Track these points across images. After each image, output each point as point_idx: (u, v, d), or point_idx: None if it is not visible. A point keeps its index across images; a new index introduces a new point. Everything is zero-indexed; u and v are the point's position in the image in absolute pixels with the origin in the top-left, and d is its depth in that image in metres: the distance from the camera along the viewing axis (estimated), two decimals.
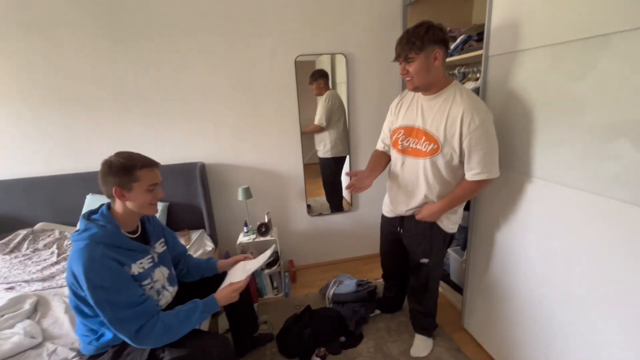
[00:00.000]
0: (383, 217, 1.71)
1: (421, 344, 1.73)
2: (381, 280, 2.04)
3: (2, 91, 1.89)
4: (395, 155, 1.50)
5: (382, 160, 1.60)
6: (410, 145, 1.40)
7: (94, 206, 1.97)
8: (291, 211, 2.51)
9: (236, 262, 1.51)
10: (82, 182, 2.03)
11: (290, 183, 2.45)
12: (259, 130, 2.28)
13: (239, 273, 1.41)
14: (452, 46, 1.89)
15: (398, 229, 1.60)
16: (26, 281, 1.64)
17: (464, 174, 1.34)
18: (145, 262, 1.18)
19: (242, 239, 2.18)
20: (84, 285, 1.00)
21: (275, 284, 2.29)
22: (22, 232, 1.81)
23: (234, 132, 2.25)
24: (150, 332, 1.05)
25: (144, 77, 2.03)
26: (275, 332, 1.88)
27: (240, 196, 2.13)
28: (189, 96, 2.12)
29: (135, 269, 1.13)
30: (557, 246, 1.20)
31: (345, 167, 2.58)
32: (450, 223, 1.48)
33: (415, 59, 1.23)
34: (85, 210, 1.98)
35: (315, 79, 2.32)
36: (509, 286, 1.46)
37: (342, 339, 1.79)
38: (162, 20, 1.97)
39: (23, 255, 1.71)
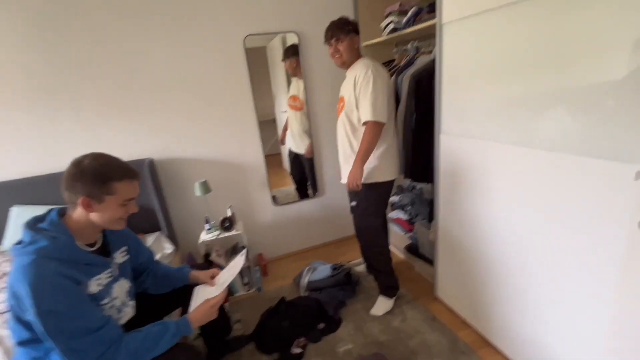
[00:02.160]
0: None
1: (378, 304, 1.83)
2: (355, 261, 2.06)
3: None
4: None
5: None
6: (338, 110, 1.72)
7: (23, 220, 1.71)
8: (255, 203, 2.40)
9: (213, 275, 1.35)
10: (5, 193, 1.74)
11: (252, 174, 2.33)
12: (212, 120, 2.12)
13: (212, 288, 1.28)
14: (404, 19, 1.88)
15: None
16: None
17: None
18: (103, 278, 1.01)
19: (205, 236, 2.03)
20: (32, 310, 0.83)
21: (246, 280, 2.18)
22: None
23: (185, 123, 2.06)
24: None
25: (75, 70, 1.77)
26: (250, 330, 1.78)
27: (197, 191, 1.97)
28: (130, 88, 1.90)
29: (94, 287, 0.97)
30: (517, 205, 1.24)
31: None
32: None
33: (344, 40, 1.59)
34: (12, 222, 1.71)
35: (287, 55, 2.20)
36: (476, 249, 1.50)
37: (321, 325, 1.75)
38: (97, 5, 1.73)
39: None
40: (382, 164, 1.64)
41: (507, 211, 1.29)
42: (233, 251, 2.22)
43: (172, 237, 2.03)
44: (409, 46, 2.02)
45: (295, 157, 2.49)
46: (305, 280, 2.04)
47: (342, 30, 1.58)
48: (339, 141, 1.74)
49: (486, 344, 1.57)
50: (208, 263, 2.04)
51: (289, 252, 2.60)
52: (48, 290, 0.84)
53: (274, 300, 1.91)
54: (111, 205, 0.96)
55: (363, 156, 1.55)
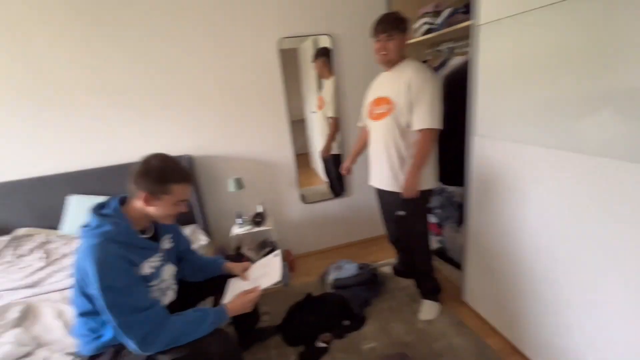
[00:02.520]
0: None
1: (427, 308, 1.80)
2: (381, 262, 2.05)
3: None
4: (368, 124, 1.74)
5: (366, 139, 1.82)
6: (375, 112, 1.65)
7: (78, 208, 1.89)
8: (284, 200, 2.47)
9: (245, 268, 1.45)
10: (63, 183, 1.94)
11: (282, 171, 2.40)
12: (246, 119, 2.22)
13: (245, 282, 1.36)
14: (438, 20, 1.86)
15: (381, 193, 1.78)
16: (11, 289, 1.55)
17: (412, 137, 1.55)
18: (155, 261, 1.13)
19: (237, 230, 2.13)
20: (95, 285, 0.95)
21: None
22: (4, 239, 1.71)
23: (221, 122, 2.18)
24: (156, 338, 1.00)
25: (123, 70, 1.93)
26: (277, 322, 1.85)
27: (231, 187, 2.08)
28: (173, 88, 2.03)
29: (147, 268, 1.08)
30: (553, 210, 1.20)
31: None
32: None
33: (394, 37, 1.51)
34: (69, 209, 1.90)
35: (317, 56, 2.25)
36: (507, 255, 1.47)
37: (346, 322, 1.79)
38: (143, 11, 1.87)
39: (7, 263, 1.62)
40: (428, 171, 1.60)
41: (544, 217, 1.26)
42: (262, 245, 2.31)
43: (207, 230, 2.15)
44: (442, 47, 2.00)
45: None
46: (331, 277, 2.09)
47: (396, 27, 1.49)
48: (378, 145, 1.66)
49: (515, 351, 1.53)
50: (239, 255, 2.14)
51: (315, 249, 2.66)
52: (110, 268, 0.95)
53: (300, 295, 1.97)
54: (166, 203, 1.07)
55: (421, 164, 1.53)
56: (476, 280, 1.74)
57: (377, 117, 1.64)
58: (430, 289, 1.82)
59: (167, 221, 1.13)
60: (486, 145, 1.47)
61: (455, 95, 1.72)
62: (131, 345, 0.99)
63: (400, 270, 2.12)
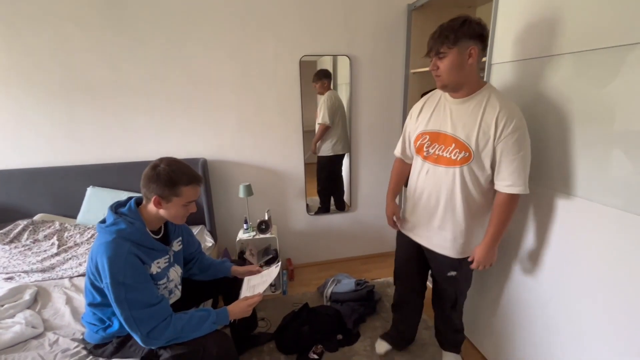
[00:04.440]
0: (400, 232, 1.54)
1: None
2: (381, 280, 2.04)
3: (5, 81, 1.88)
4: (418, 162, 1.34)
5: (404, 173, 1.51)
6: (436, 152, 1.26)
7: (96, 199, 1.98)
8: (290, 210, 2.53)
9: (249, 271, 1.52)
10: (83, 175, 2.03)
11: (291, 181, 2.47)
12: (261, 128, 2.30)
13: (245, 290, 1.42)
14: None
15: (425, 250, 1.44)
16: (25, 272, 1.63)
17: (492, 194, 1.24)
18: (162, 262, 1.19)
19: (242, 236, 2.20)
20: (107, 280, 1.01)
21: (273, 282, 2.31)
22: (22, 223, 1.80)
23: (237, 129, 2.26)
24: (161, 334, 1.06)
25: (149, 72, 2.04)
26: (272, 329, 1.90)
27: (241, 193, 2.15)
28: (193, 92, 2.13)
29: (154, 268, 1.15)
30: (571, 260, 1.20)
31: (345, 165, 2.61)
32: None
33: (447, 54, 1.09)
34: (86, 200, 1.99)
35: (319, 78, 2.35)
36: (509, 297, 1.49)
37: (339, 336, 1.82)
38: (168, 16, 1.98)
39: (23, 246, 1.70)
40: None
41: (546, 263, 1.27)
42: (265, 252, 2.37)
43: (213, 232, 2.21)
44: None
45: None
46: (328, 290, 2.13)
47: (446, 38, 1.08)
48: (432, 196, 1.29)
49: None
50: (242, 260, 2.20)
51: (316, 260, 2.70)
52: (122, 265, 1.02)
53: (296, 305, 2.02)
54: (176, 205, 1.13)
55: (502, 234, 1.23)
56: (478, 316, 1.72)
57: (436, 160, 1.26)
58: (456, 343, 1.64)
59: (179, 222, 1.20)
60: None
61: None
62: (136, 339, 1.05)
63: (396, 341, 1.76)
